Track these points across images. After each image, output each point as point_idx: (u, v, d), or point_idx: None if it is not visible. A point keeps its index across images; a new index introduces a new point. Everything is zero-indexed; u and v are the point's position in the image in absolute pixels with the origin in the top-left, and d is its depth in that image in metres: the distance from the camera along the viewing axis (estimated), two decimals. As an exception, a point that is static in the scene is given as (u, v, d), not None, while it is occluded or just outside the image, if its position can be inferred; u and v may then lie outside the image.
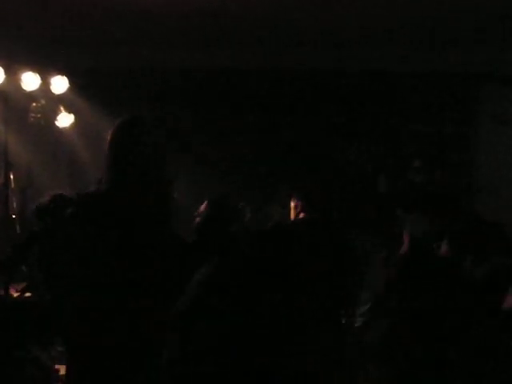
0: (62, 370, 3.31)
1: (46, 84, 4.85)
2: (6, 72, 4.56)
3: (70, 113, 5.14)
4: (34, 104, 4.95)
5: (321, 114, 6.15)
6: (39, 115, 4.98)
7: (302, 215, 3.44)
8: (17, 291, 4.21)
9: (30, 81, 4.71)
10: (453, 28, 5.17)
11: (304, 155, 6.02)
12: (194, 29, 5.00)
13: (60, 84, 4.91)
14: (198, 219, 3.21)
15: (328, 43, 5.61)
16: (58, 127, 5.18)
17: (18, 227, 4.80)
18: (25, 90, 4.72)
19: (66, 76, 4.90)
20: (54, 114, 5.08)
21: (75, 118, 5.19)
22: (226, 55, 5.66)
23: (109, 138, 2.52)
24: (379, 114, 6.28)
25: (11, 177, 4.68)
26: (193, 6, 4.46)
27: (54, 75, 4.87)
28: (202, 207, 3.23)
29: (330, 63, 5.86)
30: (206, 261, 2.62)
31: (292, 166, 5.90)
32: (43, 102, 4.96)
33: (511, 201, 5.70)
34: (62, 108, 5.07)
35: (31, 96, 4.88)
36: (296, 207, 3.47)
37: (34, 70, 4.72)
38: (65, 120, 5.15)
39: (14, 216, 4.81)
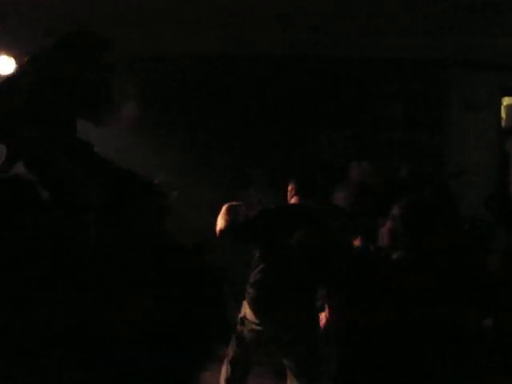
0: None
1: (-9, 65, 4.78)
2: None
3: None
4: (-21, 86, 4.71)
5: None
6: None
7: (294, 199, 3.49)
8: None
9: (-26, 62, 4.66)
10: (424, 14, 5.23)
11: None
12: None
13: (6, 65, 4.82)
14: None
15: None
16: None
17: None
18: (-31, 71, 4.56)
19: (12, 57, 4.86)
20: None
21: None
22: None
23: None
24: (352, 101, 6.03)
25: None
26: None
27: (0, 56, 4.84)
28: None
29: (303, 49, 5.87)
30: None
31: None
32: (-12, 83, 4.74)
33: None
34: (8, 90, 4.79)
35: (-24, 77, 4.71)
36: (291, 190, 3.52)
37: (-21, 50, 4.72)
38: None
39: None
